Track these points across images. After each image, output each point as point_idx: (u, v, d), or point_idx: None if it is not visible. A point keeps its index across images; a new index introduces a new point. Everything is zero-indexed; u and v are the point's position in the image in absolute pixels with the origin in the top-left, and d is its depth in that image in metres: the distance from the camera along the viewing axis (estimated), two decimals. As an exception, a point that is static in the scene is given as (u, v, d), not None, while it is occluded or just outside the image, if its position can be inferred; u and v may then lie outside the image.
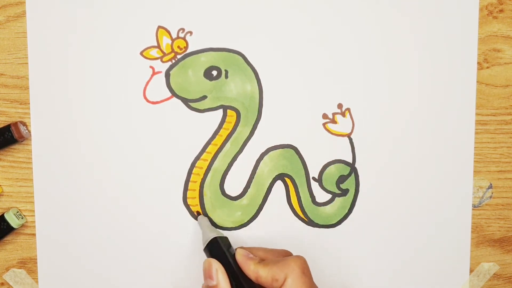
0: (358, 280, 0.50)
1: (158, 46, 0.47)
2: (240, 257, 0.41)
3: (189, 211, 0.48)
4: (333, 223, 0.49)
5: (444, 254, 0.50)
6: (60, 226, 0.48)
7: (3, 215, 0.47)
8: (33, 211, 0.48)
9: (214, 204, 0.48)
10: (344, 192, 0.49)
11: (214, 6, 0.47)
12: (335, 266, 0.49)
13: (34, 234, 0.48)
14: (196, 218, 0.48)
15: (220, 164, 0.48)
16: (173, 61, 0.47)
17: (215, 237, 0.43)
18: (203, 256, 0.48)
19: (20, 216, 0.47)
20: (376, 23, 0.47)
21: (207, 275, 0.40)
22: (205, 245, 0.44)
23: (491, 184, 0.50)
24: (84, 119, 0.47)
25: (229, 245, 0.44)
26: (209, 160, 0.48)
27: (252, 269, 0.40)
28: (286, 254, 0.43)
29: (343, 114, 0.48)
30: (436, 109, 0.48)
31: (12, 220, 0.46)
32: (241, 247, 0.43)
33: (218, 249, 0.43)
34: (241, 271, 0.41)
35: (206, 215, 0.48)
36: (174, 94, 0.47)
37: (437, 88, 0.48)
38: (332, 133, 0.48)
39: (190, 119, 0.47)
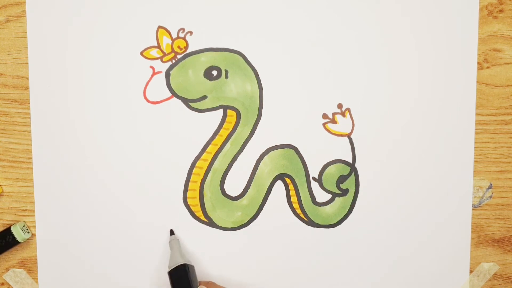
0: (358, 279, 0.50)
1: (158, 46, 0.47)
2: None
3: (189, 211, 0.48)
4: (333, 223, 0.49)
5: (444, 254, 0.50)
6: (60, 226, 0.48)
7: (9, 228, 0.46)
8: (33, 211, 0.48)
9: (214, 204, 0.48)
10: (344, 192, 0.49)
11: (214, 6, 0.47)
12: (335, 266, 0.49)
13: (34, 234, 0.48)
14: (196, 219, 0.48)
15: (220, 164, 0.48)
16: (173, 61, 0.47)
17: (184, 264, 0.44)
18: (202, 255, 0.48)
19: (26, 231, 0.47)
20: (376, 23, 0.47)
21: None
22: (171, 268, 0.44)
23: (491, 184, 0.50)
24: (84, 119, 0.47)
25: (194, 275, 0.45)
26: (209, 160, 0.48)
27: None
28: None
29: (343, 114, 0.48)
30: (436, 109, 0.48)
31: (18, 234, 0.46)
32: (205, 282, 0.44)
33: (183, 277, 0.44)
34: None
35: (206, 215, 0.48)
36: (174, 94, 0.47)
37: (437, 88, 0.48)
38: (332, 133, 0.48)
39: (190, 119, 0.47)
